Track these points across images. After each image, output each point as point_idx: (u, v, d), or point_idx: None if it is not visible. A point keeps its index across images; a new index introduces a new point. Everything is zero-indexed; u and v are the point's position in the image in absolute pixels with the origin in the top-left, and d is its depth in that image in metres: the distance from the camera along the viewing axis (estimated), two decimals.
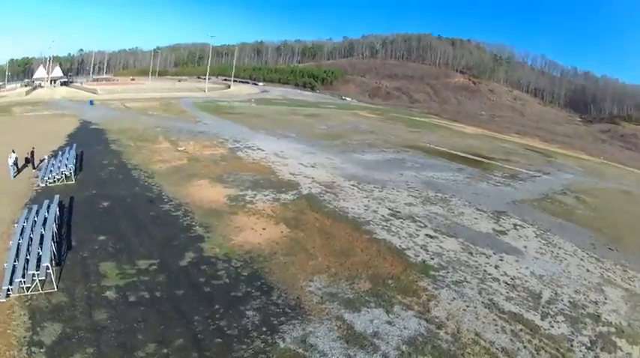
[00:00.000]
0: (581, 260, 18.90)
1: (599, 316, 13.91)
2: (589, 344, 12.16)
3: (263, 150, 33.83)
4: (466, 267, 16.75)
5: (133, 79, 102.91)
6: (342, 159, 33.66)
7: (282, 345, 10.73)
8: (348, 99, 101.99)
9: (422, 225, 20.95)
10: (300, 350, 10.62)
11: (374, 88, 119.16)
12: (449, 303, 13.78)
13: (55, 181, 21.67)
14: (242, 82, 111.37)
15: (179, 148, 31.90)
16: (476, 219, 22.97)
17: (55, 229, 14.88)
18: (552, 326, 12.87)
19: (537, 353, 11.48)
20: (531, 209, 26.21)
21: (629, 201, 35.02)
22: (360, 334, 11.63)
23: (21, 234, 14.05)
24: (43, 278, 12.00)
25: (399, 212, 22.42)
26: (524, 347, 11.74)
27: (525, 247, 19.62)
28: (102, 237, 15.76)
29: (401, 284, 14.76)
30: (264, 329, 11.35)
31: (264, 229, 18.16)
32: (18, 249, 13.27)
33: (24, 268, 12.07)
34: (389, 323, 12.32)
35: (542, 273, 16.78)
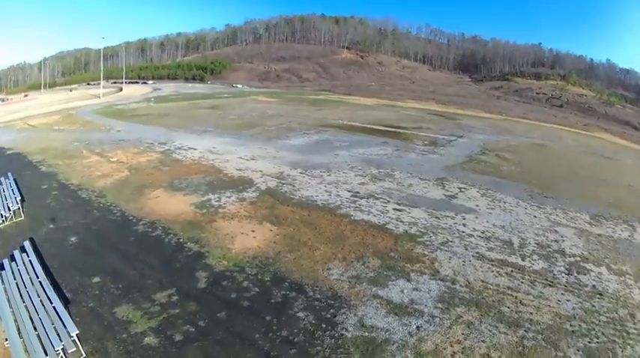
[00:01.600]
0: (526, 209, 23.94)
1: (563, 251, 18.41)
2: (567, 272, 16.29)
3: (196, 149, 33.40)
4: (442, 229, 19.93)
5: (26, 95, 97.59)
6: (273, 147, 35.14)
7: (349, 335, 12.00)
8: (239, 86, 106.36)
9: (385, 200, 23.59)
10: (367, 334, 12.07)
11: (263, 73, 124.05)
12: (449, 262, 16.62)
13: (3, 220, 18.43)
14: (131, 82, 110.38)
15: (112, 159, 29.60)
16: (425, 188, 26.61)
17: (48, 284, 13.06)
18: (533, 264, 16.75)
19: (534, 285, 15.09)
20: (464, 172, 31.25)
21: (544, 153, 43.58)
22: (401, 305, 13.57)
23: (8, 301, 12.10)
24: (73, 349, 10.69)
25: (358, 192, 24.71)
26: (522, 283, 15.22)
27: (477, 206, 23.84)
28: (96, 279, 14.28)
29: (402, 254, 17.08)
30: (324, 325, 12.39)
31: (253, 231, 18.57)
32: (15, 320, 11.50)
33: (40, 342, 10.58)
34: (416, 289, 14.53)
35: (503, 224, 21.02)
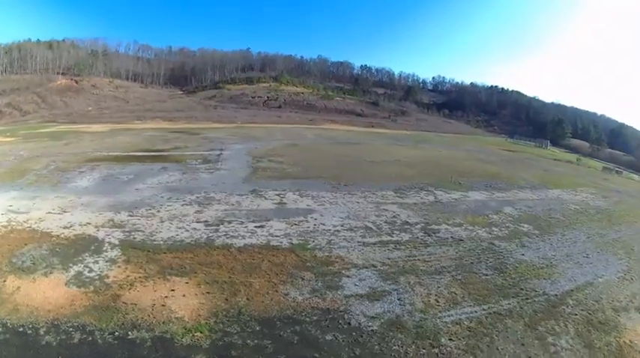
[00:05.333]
0: (344, 198, 31.22)
1: (408, 221, 26.52)
2: (425, 233, 24.32)
3: None
4: (312, 233, 23.84)
5: None
6: (69, 193, 28.95)
7: (376, 327, 14.74)
8: None
9: (238, 221, 24.98)
10: (384, 319, 15.15)
11: None
12: (351, 255, 21.02)
13: None
14: None
15: None
16: (252, 201, 29.28)
17: None
18: (401, 237, 23.82)
19: (418, 249, 22.23)
20: (263, 180, 35.47)
21: (302, 150, 52.87)
22: (370, 293, 17.00)
23: None
24: None
25: (207, 221, 24.67)
26: (411, 250, 21.94)
27: (308, 205, 29.06)
28: None
29: (314, 262, 19.93)
30: (354, 333, 14.37)
31: (172, 290, 16.36)
32: None
33: None
34: (362, 280, 18.32)
35: (346, 215, 27.29)
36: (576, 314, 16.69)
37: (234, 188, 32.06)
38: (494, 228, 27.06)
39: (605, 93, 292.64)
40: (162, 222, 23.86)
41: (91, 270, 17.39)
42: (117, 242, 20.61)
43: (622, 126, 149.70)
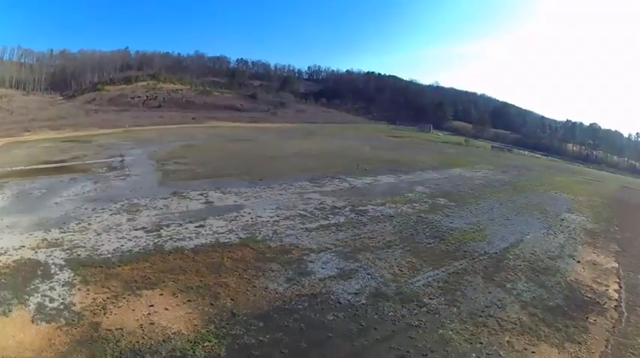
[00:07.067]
0: (265, 191, 30.84)
1: (336, 206, 27.66)
2: (357, 214, 25.96)
3: None
4: (254, 225, 23.47)
5: None
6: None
7: (363, 301, 15.64)
8: None
9: (177, 223, 23.13)
10: (367, 293, 16.23)
11: None
12: (302, 241, 21.49)
13: None
14: None
15: None
16: (179, 204, 26.97)
17: None
18: (338, 220, 24.83)
19: (356, 227, 23.73)
20: (178, 182, 32.89)
21: (201, 150, 50.40)
22: (340, 273, 17.94)
23: None
24: None
25: (145, 227, 22.44)
26: (354, 231, 23.23)
27: (235, 201, 28.01)
28: None
29: (271, 253, 19.90)
30: (349, 310, 15.03)
31: (152, 306, 14.54)
32: None
33: None
34: (327, 262, 19.03)
35: (276, 206, 27.20)
36: (520, 265, 20.31)
37: (154, 192, 28.96)
38: (415, 204, 30.19)
39: (487, 75, 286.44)
40: (98, 234, 20.67)
41: (52, 299, 14.24)
42: (62, 262, 17.24)
43: (504, 105, 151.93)
